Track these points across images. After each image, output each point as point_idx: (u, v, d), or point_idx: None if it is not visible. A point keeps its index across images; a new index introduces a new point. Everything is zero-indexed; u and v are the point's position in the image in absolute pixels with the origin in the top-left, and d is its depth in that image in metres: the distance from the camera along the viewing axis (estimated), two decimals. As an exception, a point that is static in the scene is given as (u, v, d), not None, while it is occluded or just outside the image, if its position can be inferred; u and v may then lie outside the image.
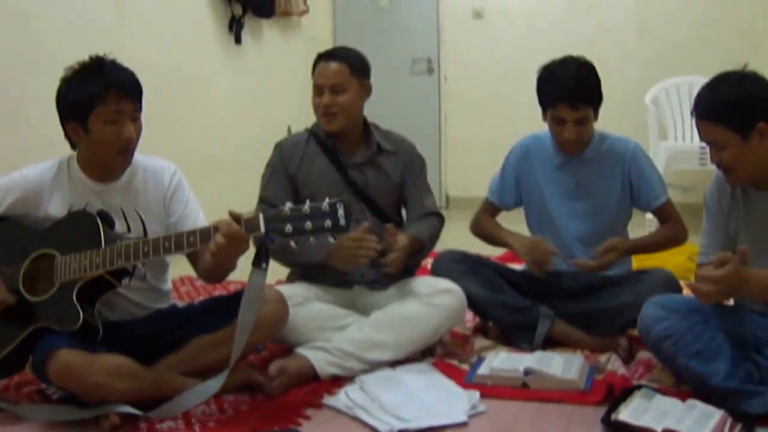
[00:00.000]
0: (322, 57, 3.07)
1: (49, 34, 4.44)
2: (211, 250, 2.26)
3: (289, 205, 2.22)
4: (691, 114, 2.47)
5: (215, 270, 2.55)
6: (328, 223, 2.17)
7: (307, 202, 2.22)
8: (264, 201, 3.03)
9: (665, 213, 3.12)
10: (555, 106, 2.92)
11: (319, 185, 2.99)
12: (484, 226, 3.32)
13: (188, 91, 5.63)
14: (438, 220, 3.16)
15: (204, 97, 5.84)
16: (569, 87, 2.89)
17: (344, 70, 3.02)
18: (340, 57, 3.05)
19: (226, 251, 2.25)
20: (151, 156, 2.73)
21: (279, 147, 3.15)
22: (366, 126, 3.16)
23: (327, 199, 2.21)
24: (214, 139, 5.92)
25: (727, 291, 2.25)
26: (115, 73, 2.48)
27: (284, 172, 3.07)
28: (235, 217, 2.27)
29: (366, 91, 3.13)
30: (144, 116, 2.58)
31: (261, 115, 6.52)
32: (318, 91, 3.02)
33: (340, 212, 2.18)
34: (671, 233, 3.12)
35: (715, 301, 2.31)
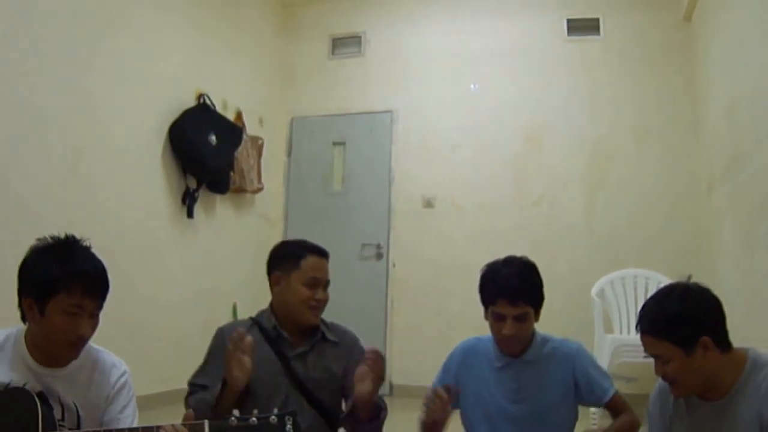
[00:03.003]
0: (318, 252, 3.11)
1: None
2: None
3: (236, 413, 2.16)
4: (636, 328, 2.49)
5: None
6: None
7: (255, 412, 2.17)
8: (194, 387, 2.93)
9: (616, 405, 3.04)
10: (495, 301, 2.91)
11: (260, 374, 2.90)
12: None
13: (137, 262, 5.60)
14: (383, 404, 3.08)
15: (152, 269, 5.81)
16: (510, 284, 2.90)
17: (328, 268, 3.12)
18: (328, 255, 3.13)
19: None
20: (106, 350, 2.61)
21: (221, 332, 3.09)
22: None
23: (276, 410, 2.18)
24: (160, 311, 5.85)
25: None
26: (87, 265, 2.40)
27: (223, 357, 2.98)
28: (187, 418, 2.21)
29: None
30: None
31: (208, 290, 6.48)
32: (313, 284, 3.03)
33: (288, 426, 2.16)
34: (626, 422, 3.01)
35: None
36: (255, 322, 3.10)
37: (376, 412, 2.91)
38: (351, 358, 3.12)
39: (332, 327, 3.18)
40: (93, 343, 2.53)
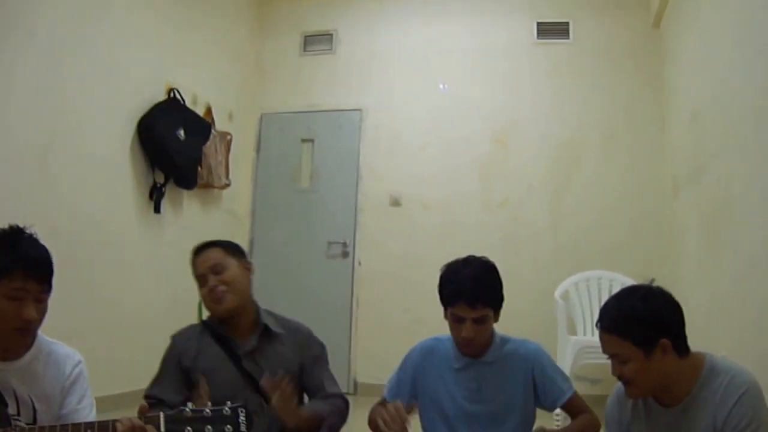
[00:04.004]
0: (196, 251, 3.12)
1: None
2: None
3: (190, 405, 2.18)
4: (596, 326, 2.51)
5: None
6: (228, 428, 2.15)
7: (209, 404, 2.19)
8: (147, 398, 2.88)
9: (574, 406, 3.05)
10: (454, 304, 2.90)
11: (215, 378, 2.90)
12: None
13: (103, 253, 5.55)
14: (342, 401, 3.10)
15: (118, 261, 5.76)
16: (469, 286, 2.88)
17: (219, 252, 3.08)
18: (212, 243, 3.12)
19: None
20: (58, 342, 2.59)
21: (173, 340, 3.10)
22: (257, 313, 3.14)
23: (228, 403, 2.20)
24: (125, 304, 5.80)
25: None
26: (29, 250, 2.39)
27: (178, 366, 2.98)
28: (142, 410, 2.21)
29: (248, 269, 3.15)
30: (56, 275, 2.48)
31: (174, 285, 6.41)
32: (202, 281, 3.03)
33: (242, 418, 2.18)
34: (586, 422, 3.03)
35: None
36: (206, 325, 3.10)
37: (317, 424, 2.91)
38: (307, 352, 3.12)
39: (284, 322, 3.16)
40: (48, 336, 2.53)
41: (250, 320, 3.09)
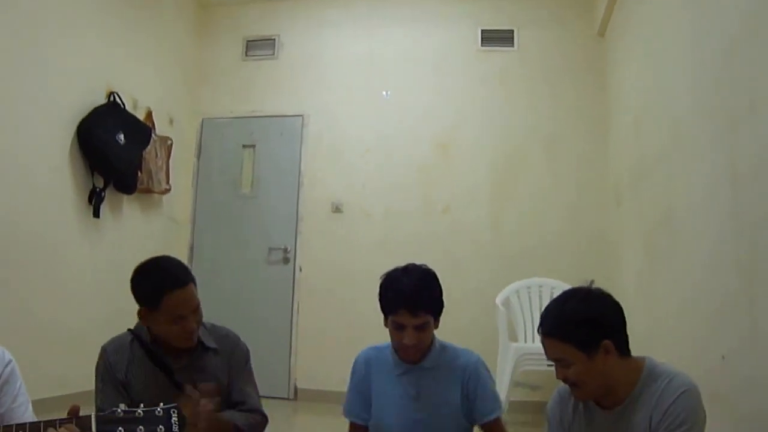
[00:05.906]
0: (175, 285, 2.85)
1: None
2: None
3: (122, 407, 2.15)
4: (538, 331, 2.52)
5: None
6: (161, 428, 2.12)
7: (141, 405, 2.15)
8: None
9: (495, 429, 3.04)
10: (395, 311, 2.91)
11: (148, 391, 2.84)
12: None
13: (39, 257, 5.44)
14: (261, 416, 3.03)
15: (55, 266, 5.65)
16: (410, 294, 2.89)
17: (194, 288, 2.92)
18: (188, 277, 2.91)
19: None
20: None
21: (104, 353, 2.97)
22: None
23: (162, 404, 2.16)
24: (63, 309, 5.69)
25: None
26: None
27: (114, 378, 2.89)
28: (72, 411, 2.16)
29: None
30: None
31: (114, 290, 6.31)
32: (179, 319, 2.84)
33: (174, 418, 2.15)
34: None
35: None
36: (135, 335, 2.98)
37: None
38: (234, 361, 3.07)
39: (212, 330, 3.09)
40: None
41: None
